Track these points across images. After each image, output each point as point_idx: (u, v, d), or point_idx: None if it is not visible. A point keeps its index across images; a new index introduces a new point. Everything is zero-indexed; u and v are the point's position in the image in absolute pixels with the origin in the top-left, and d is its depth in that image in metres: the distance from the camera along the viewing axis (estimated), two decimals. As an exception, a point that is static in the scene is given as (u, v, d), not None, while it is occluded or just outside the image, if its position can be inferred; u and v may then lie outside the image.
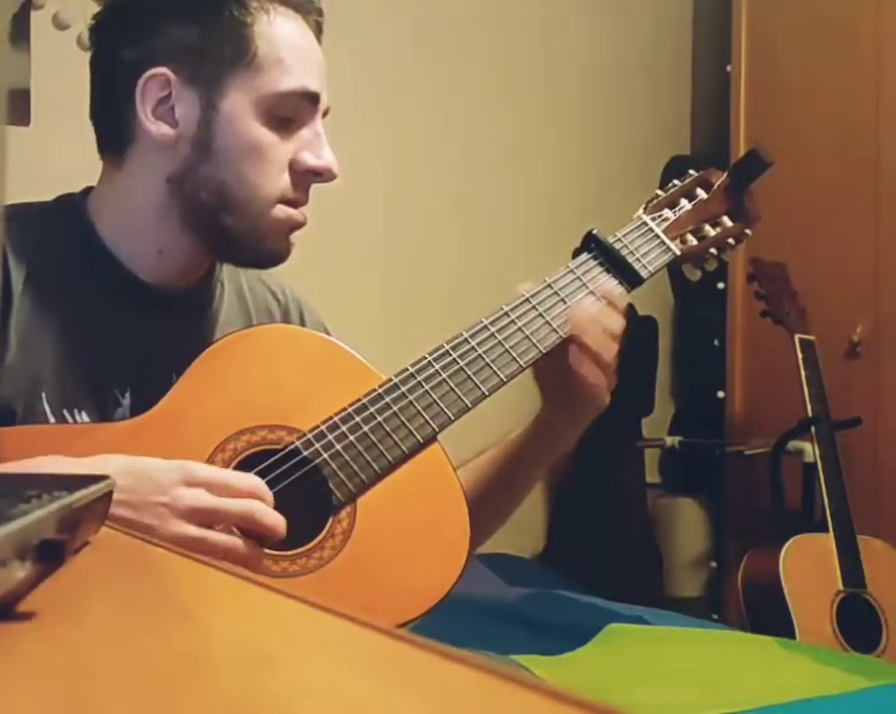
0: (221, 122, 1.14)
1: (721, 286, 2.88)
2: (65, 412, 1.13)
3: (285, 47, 1.16)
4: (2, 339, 1.10)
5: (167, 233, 1.18)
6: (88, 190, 1.23)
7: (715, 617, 2.74)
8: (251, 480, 1.04)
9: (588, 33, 3.02)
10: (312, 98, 1.17)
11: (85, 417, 1.14)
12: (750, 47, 2.87)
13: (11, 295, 1.12)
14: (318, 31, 1.21)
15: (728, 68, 2.91)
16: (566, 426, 1.26)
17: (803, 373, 2.37)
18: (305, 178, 1.18)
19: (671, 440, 2.92)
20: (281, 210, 1.17)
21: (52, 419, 1.12)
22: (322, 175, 1.18)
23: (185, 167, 1.15)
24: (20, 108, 2.23)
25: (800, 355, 2.38)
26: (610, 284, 1.25)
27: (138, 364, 1.17)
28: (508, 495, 1.32)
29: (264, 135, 1.15)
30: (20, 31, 2.26)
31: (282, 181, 1.16)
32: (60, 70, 2.25)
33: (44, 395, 1.12)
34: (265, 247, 1.18)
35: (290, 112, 1.16)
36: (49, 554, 0.48)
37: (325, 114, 1.21)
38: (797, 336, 2.41)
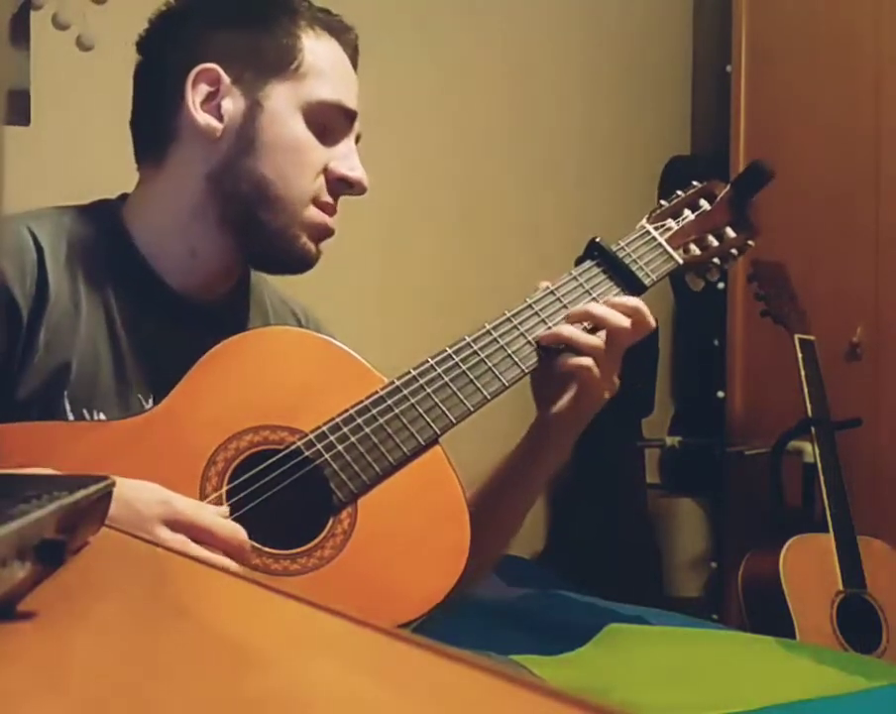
0: (265, 118, 1.19)
1: (721, 286, 2.88)
2: (85, 412, 1.14)
3: (328, 63, 1.22)
4: (32, 339, 1.11)
5: (201, 233, 1.20)
6: (124, 196, 1.26)
7: (715, 617, 2.74)
8: (234, 531, 1.03)
9: (588, 33, 3.02)
10: (349, 115, 1.22)
11: (104, 419, 1.14)
12: (750, 47, 2.86)
13: (48, 295, 1.14)
14: (354, 55, 1.26)
15: (729, 68, 2.91)
16: (562, 426, 1.25)
17: (803, 373, 2.37)
18: (337, 186, 1.22)
19: (671, 440, 2.92)
20: (315, 212, 1.20)
21: (71, 418, 1.13)
22: (353, 186, 1.22)
23: (226, 161, 1.19)
24: (20, 108, 2.23)
25: (800, 355, 2.38)
26: (611, 292, 1.25)
27: (163, 372, 1.17)
28: (510, 510, 1.32)
29: (304, 135, 1.19)
30: (20, 31, 2.26)
31: (318, 184, 1.20)
32: (60, 70, 2.25)
33: (66, 393, 1.13)
34: (296, 247, 1.20)
35: (329, 122, 1.21)
36: (49, 554, 0.48)
37: (357, 140, 1.25)
38: (797, 336, 2.40)
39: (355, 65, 1.26)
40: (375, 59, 2.65)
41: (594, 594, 2.29)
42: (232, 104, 1.19)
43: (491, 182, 2.86)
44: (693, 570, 2.96)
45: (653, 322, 1.23)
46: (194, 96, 1.19)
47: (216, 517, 1.03)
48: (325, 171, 1.20)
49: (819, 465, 2.32)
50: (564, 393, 1.23)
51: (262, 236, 1.20)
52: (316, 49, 1.21)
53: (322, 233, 1.22)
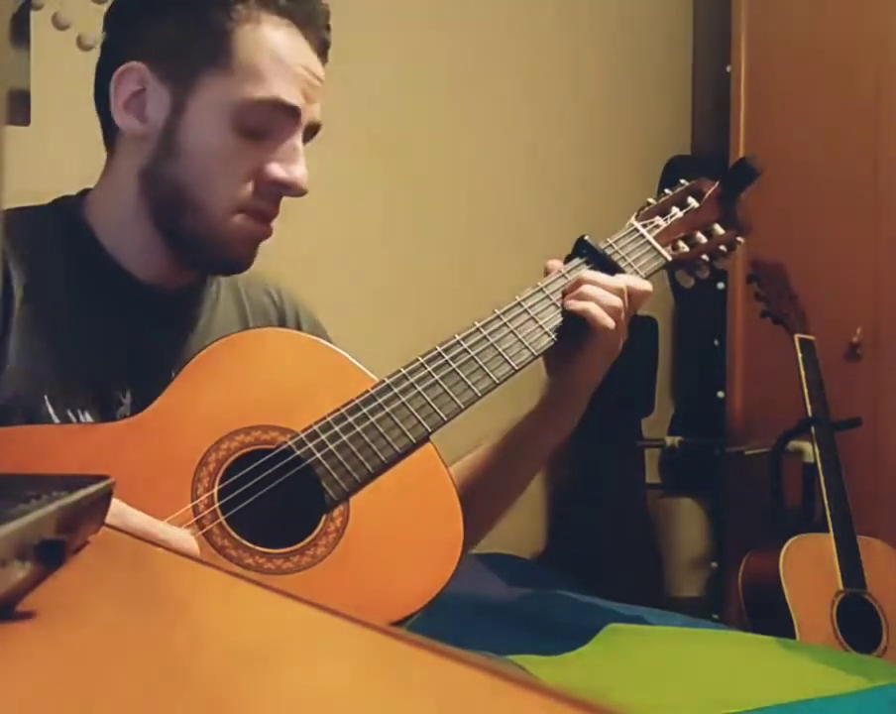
0: (187, 122, 1.14)
1: (721, 286, 2.88)
2: (69, 412, 1.13)
3: (266, 57, 1.13)
4: (3, 344, 1.10)
5: (143, 230, 1.18)
6: (85, 192, 1.24)
7: (715, 617, 2.74)
8: (186, 542, 1.02)
9: (588, 33, 3.02)
10: (289, 111, 1.15)
11: (89, 418, 1.14)
12: (750, 47, 2.86)
13: (12, 298, 1.12)
14: (323, 45, 1.18)
15: (728, 68, 2.91)
16: (579, 380, 1.25)
17: (803, 373, 2.37)
18: (272, 189, 1.16)
19: (671, 440, 2.92)
20: (243, 221, 1.15)
21: (55, 420, 1.12)
22: (289, 189, 1.16)
23: (153, 163, 1.16)
24: (20, 108, 2.23)
25: (800, 355, 2.38)
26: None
27: (137, 363, 1.17)
28: (514, 476, 1.31)
29: (229, 141, 1.13)
30: (20, 31, 2.26)
31: (244, 190, 1.14)
32: (60, 70, 2.25)
33: (46, 397, 1.12)
34: (223, 254, 1.17)
35: (263, 122, 1.14)
36: (49, 554, 0.48)
37: (316, 131, 1.19)
38: (797, 336, 2.41)
39: (325, 52, 1.18)
40: (375, 60, 2.66)
41: (594, 594, 2.29)
42: (157, 105, 1.14)
43: (489, 182, 2.86)
44: (693, 570, 2.96)
45: (647, 286, 1.25)
46: (117, 99, 1.15)
47: (168, 528, 1.02)
48: (259, 173, 1.14)
49: (819, 465, 2.32)
50: (581, 346, 1.22)
51: (187, 241, 1.17)
52: (253, 42, 1.13)
53: (251, 241, 1.17)
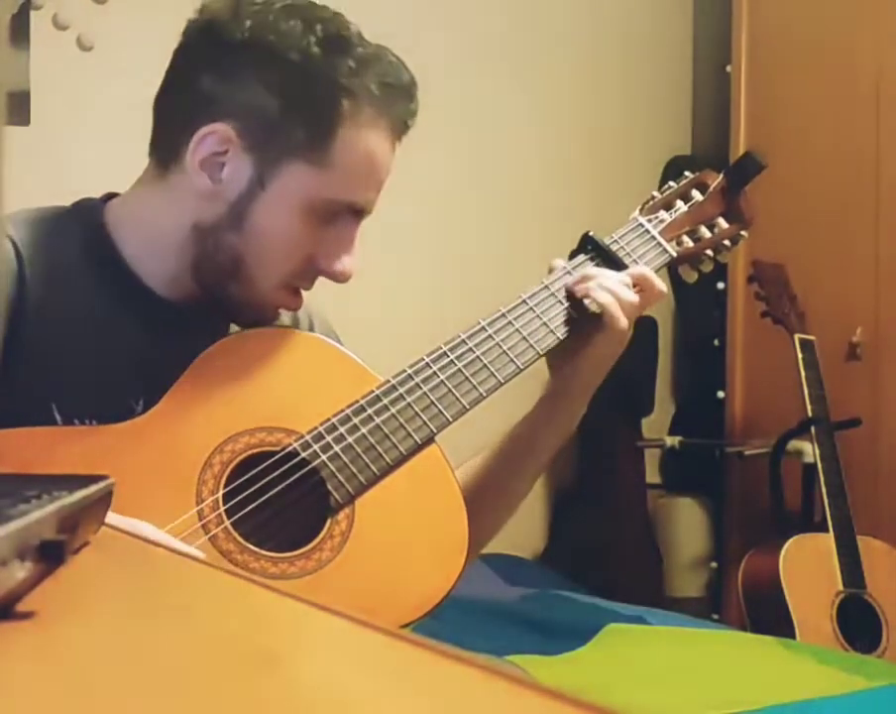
0: (263, 204, 1.12)
1: (721, 286, 2.88)
2: (76, 422, 1.11)
3: (361, 164, 1.14)
4: (15, 354, 1.09)
5: (180, 268, 1.17)
6: (109, 197, 1.21)
7: (715, 617, 2.74)
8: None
9: (588, 33, 3.02)
10: (358, 211, 1.16)
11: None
12: (750, 47, 2.87)
13: (29, 308, 1.10)
14: (405, 131, 1.18)
15: (728, 68, 2.91)
16: (576, 387, 1.25)
17: (803, 373, 2.38)
18: (318, 274, 1.17)
19: (671, 440, 2.92)
20: (283, 296, 1.17)
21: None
22: (334, 279, 1.17)
23: (214, 224, 1.14)
24: (20, 108, 2.23)
25: (800, 355, 2.39)
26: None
27: (151, 374, 1.15)
28: (515, 480, 1.30)
29: (297, 228, 1.13)
30: (20, 31, 2.26)
31: (294, 268, 1.15)
32: (60, 70, 2.25)
33: (54, 406, 1.10)
34: (253, 316, 1.19)
35: (332, 214, 1.14)
36: (49, 554, 0.48)
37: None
38: (797, 336, 2.41)
39: (402, 131, 1.17)
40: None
41: (594, 594, 2.30)
42: (235, 172, 1.12)
43: (489, 182, 2.86)
44: (693, 570, 2.96)
45: (663, 287, 1.24)
46: (195, 156, 1.12)
47: (176, 543, 1.01)
48: (312, 257, 1.15)
49: (819, 465, 2.33)
50: (588, 343, 1.22)
51: (224, 300, 1.17)
52: (354, 144, 1.12)
53: (279, 311, 1.20)
